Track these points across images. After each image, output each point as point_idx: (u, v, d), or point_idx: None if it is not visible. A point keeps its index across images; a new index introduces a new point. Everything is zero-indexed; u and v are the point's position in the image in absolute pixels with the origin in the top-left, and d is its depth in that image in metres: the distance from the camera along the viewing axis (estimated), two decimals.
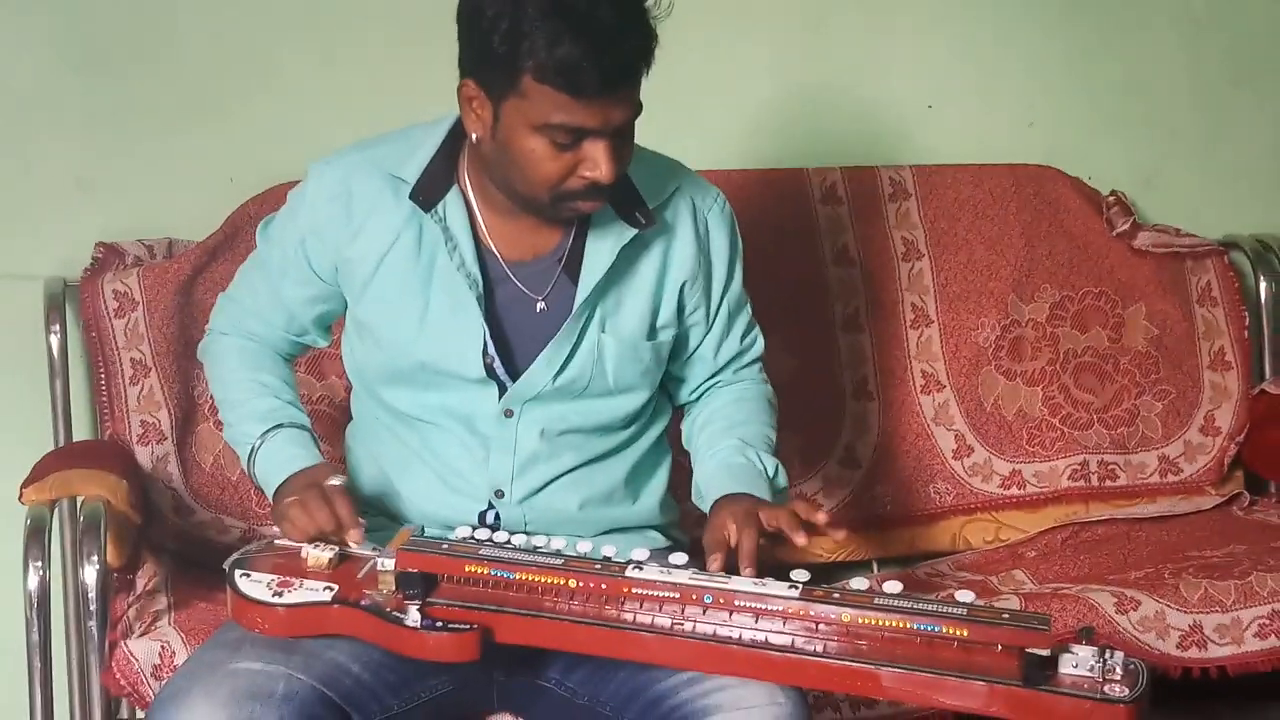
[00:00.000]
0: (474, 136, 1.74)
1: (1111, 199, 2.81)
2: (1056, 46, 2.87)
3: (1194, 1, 2.92)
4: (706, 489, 1.86)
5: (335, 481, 1.76)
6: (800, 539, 1.70)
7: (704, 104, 2.68)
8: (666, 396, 2.00)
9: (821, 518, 1.73)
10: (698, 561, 1.65)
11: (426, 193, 1.79)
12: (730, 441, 1.89)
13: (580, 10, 1.61)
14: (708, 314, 1.94)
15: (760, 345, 2.02)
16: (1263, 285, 2.84)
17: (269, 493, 1.84)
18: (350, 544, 1.72)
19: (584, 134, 1.67)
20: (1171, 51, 2.92)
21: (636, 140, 1.85)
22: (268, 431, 1.86)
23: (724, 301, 1.95)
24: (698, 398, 2.00)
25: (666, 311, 1.89)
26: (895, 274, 2.66)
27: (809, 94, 2.75)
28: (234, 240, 2.35)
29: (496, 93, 1.68)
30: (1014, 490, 2.66)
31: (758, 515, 1.73)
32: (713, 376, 1.99)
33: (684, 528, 2.04)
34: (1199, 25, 2.93)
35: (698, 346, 1.96)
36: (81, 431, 2.39)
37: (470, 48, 1.69)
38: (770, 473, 1.87)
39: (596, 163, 1.68)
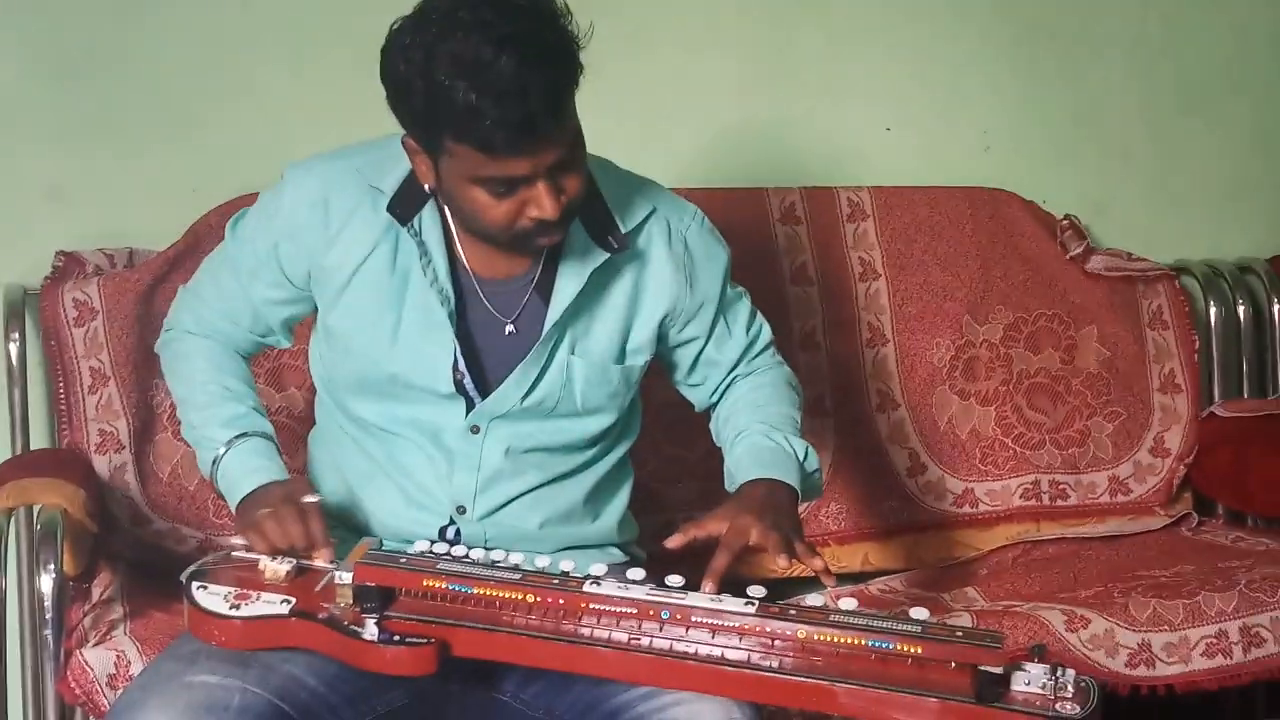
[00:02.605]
0: (426, 186, 1.74)
1: (1065, 223, 2.84)
2: (1013, 73, 2.89)
3: (1147, 31, 2.96)
4: (736, 473, 1.84)
5: (312, 499, 1.75)
6: (782, 560, 1.68)
7: (667, 123, 2.69)
8: (635, 416, 1.98)
9: (818, 564, 1.71)
10: (655, 577, 1.65)
11: (404, 206, 1.78)
12: (756, 425, 1.88)
13: (483, 65, 1.56)
14: (701, 326, 1.93)
15: (767, 331, 2.01)
16: (1213, 309, 2.88)
17: (231, 499, 1.83)
18: (316, 562, 1.71)
19: (518, 181, 1.65)
20: (1125, 80, 2.95)
21: (610, 157, 1.85)
22: (235, 438, 1.85)
23: (719, 310, 1.93)
24: (720, 397, 2.00)
25: (639, 336, 1.88)
26: (852, 293, 2.68)
27: (770, 115, 2.77)
28: (195, 250, 2.32)
29: (430, 150, 1.67)
30: (966, 509, 2.68)
31: (750, 532, 1.70)
32: (728, 374, 1.98)
33: (642, 545, 2.04)
34: (1151, 55, 2.96)
35: (700, 355, 1.95)
36: (39, 440, 2.37)
37: (397, 108, 1.66)
38: (800, 456, 1.85)
39: (539, 203, 1.66)
